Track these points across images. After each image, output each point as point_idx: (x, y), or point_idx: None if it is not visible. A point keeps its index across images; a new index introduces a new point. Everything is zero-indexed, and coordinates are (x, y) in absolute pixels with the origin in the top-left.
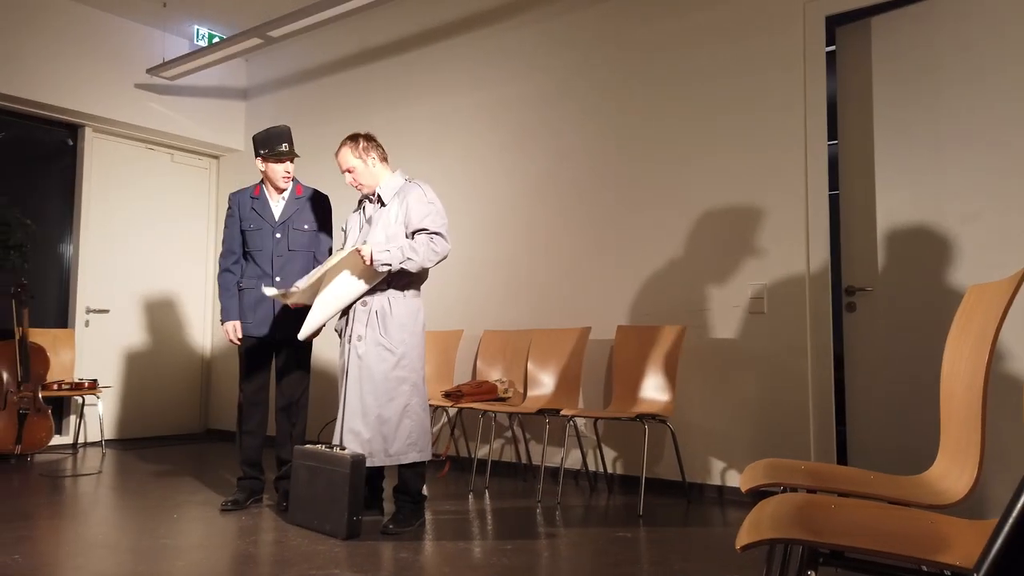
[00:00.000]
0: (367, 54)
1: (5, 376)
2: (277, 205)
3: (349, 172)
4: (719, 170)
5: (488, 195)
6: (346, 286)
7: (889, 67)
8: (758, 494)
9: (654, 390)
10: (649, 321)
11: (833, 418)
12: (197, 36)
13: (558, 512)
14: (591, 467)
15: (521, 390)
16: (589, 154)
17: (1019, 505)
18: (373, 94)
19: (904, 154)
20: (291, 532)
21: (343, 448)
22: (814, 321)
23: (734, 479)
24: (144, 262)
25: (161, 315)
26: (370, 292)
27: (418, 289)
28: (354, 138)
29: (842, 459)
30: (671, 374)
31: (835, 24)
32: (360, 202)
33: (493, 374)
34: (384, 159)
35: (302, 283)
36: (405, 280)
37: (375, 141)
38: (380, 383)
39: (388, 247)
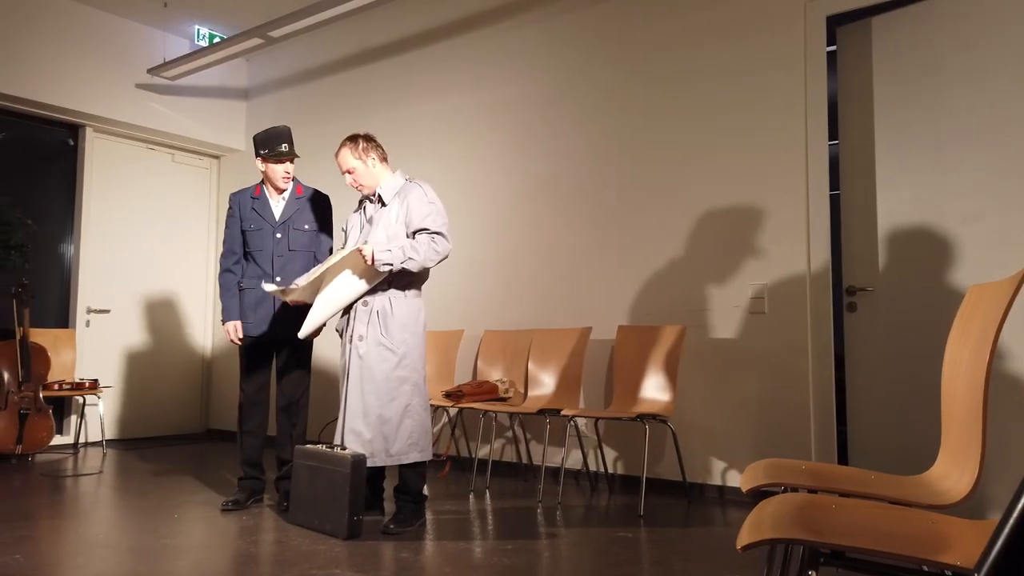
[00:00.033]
0: (368, 54)
1: (6, 376)
2: (277, 205)
3: (349, 173)
4: (720, 170)
5: (489, 195)
6: (347, 285)
7: (890, 67)
8: (759, 494)
9: (655, 390)
10: (650, 321)
11: (834, 418)
12: (198, 36)
13: (559, 512)
14: (592, 467)
15: (522, 390)
16: (590, 154)
17: (1020, 505)
18: (374, 94)
19: (905, 154)
20: (292, 532)
21: (344, 448)
22: (815, 321)
23: (735, 479)
24: (145, 262)
25: (162, 315)
26: (371, 292)
27: (419, 289)
28: (353, 139)
29: (843, 459)
30: (672, 374)
31: (836, 24)
32: (361, 202)
33: (494, 374)
34: (384, 159)
35: (302, 281)
36: (406, 280)
37: (375, 142)
38: (381, 383)
39: (389, 247)
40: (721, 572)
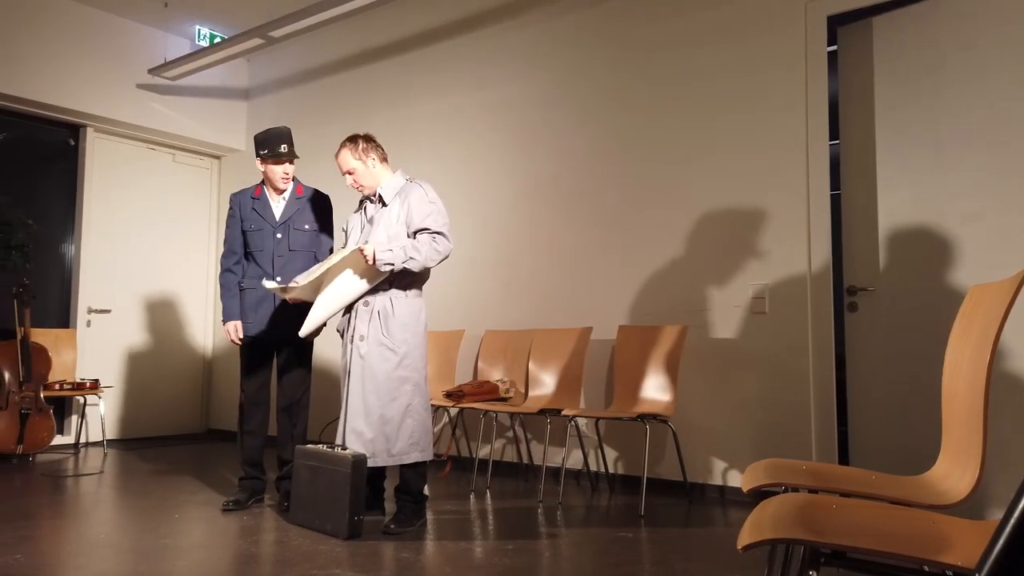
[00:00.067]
0: (368, 54)
1: (7, 376)
2: (278, 205)
3: (349, 174)
4: (721, 170)
5: (489, 195)
6: (348, 285)
7: (890, 67)
8: (759, 494)
9: (655, 390)
10: (650, 321)
11: (835, 418)
12: (198, 36)
13: (559, 512)
14: (592, 467)
15: (522, 390)
16: (591, 154)
17: (1021, 505)
18: (374, 94)
19: (905, 154)
20: (292, 532)
21: (344, 448)
22: (815, 321)
23: (735, 479)
24: (145, 262)
25: (162, 315)
26: (372, 292)
27: (420, 289)
28: (353, 140)
29: (843, 459)
30: (672, 374)
31: (836, 24)
32: (361, 202)
33: (494, 374)
34: (384, 159)
35: (301, 279)
36: (407, 280)
37: (374, 142)
38: (382, 383)
39: (391, 247)
40: (722, 572)
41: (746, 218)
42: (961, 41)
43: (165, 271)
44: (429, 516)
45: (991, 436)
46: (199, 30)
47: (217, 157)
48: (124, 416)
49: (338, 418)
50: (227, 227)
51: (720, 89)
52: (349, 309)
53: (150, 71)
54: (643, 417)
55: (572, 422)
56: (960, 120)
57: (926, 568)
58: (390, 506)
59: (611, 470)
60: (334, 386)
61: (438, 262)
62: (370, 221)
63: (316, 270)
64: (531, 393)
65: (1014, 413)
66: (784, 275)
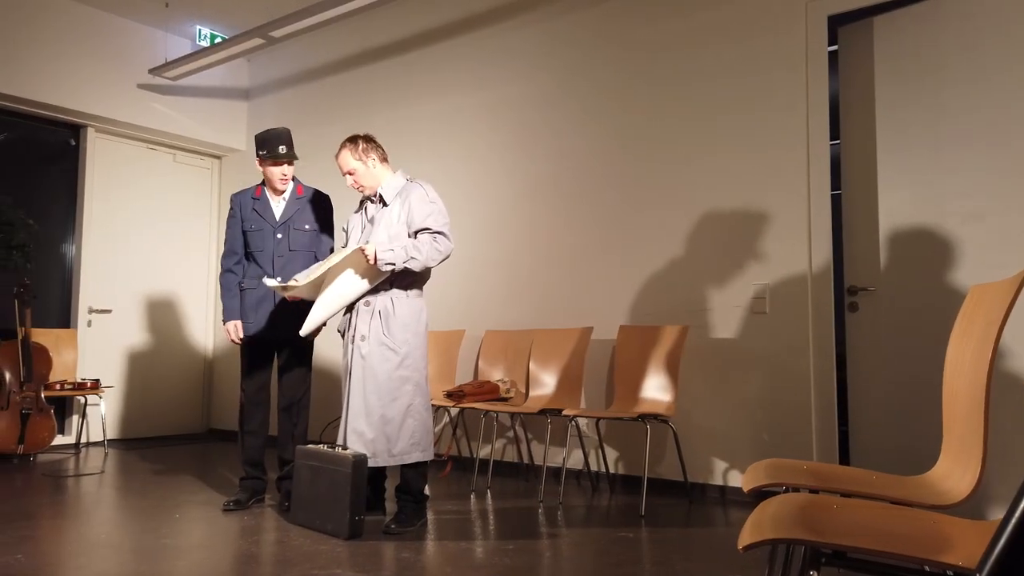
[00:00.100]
0: (369, 54)
1: (8, 376)
2: (278, 205)
3: (350, 175)
4: (721, 170)
5: (490, 195)
6: (349, 285)
7: (891, 67)
8: (760, 494)
9: (656, 390)
10: (651, 321)
11: (835, 418)
12: (199, 36)
13: (560, 512)
14: (593, 467)
15: (523, 390)
16: (591, 154)
17: (1022, 505)
18: (375, 94)
19: (906, 154)
20: (293, 532)
21: (345, 448)
22: (816, 321)
23: (736, 479)
24: (146, 262)
25: (163, 315)
26: (373, 292)
27: (421, 289)
28: (353, 140)
29: (844, 459)
30: (673, 374)
31: (837, 24)
32: (362, 203)
33: (495, 374)
34: (384, 160)
35: (301, 277)
36: (408, 280)
37: (375, 142)
38: (383, 383)
39: (392, 246)
40: (723, 572)
41: (747, 218)
42: (962, 41)
43: (166, 271)
44: (430, 516)
45: (992, 436)
46: (200, 30)
47: (218, 157)
48: (125, 416)
49: (339, 418)
50: (228, 227)
51: (720, 89)
52: (350, 309)
53: (151, 71)
54: (644, 417)
55: (573, 422)
56: (961, 120)
57: (927, 568)
58: (391, 506)
59: (612, 470)
60: (335, 386)
61: (439, 262)
62: (371, 221)
63: (316, 269)
64: (532, 393)
65: (1015, 413)
66: (785, 275)
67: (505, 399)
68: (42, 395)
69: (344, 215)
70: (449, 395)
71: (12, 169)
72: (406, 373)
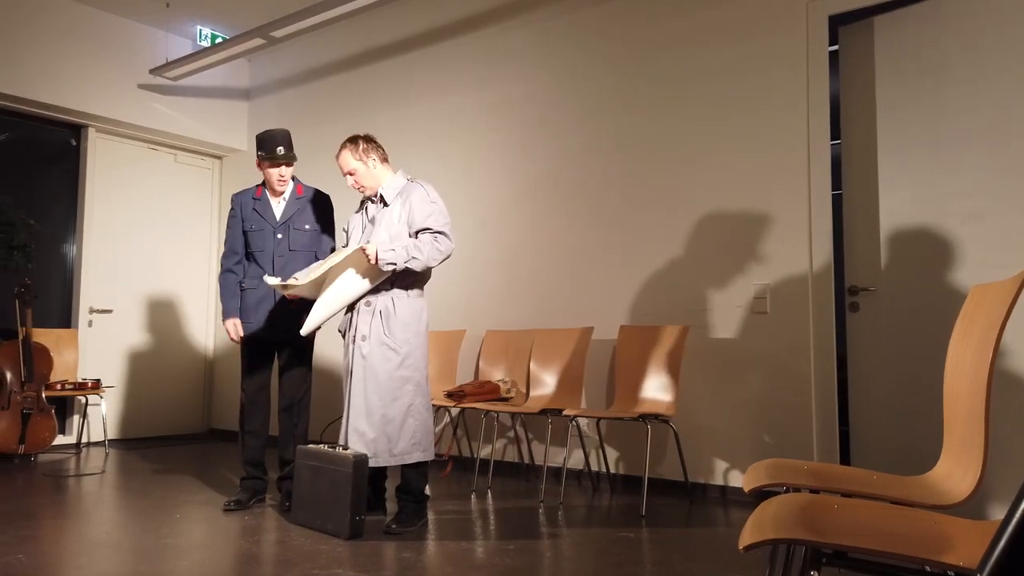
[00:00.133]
0: (370, 54)
1: (9, 376)
2: (278, 205)
3: (350, 175)
4: (722, 170)
5: (491, 195)
6: (350, 285)
7: (892, 67)
8: (761, 494)
9: (657, 390)
10: (652, 321)
11: (836, 418)
12: (200, 36)
13: (560, 512)
14: (593, 467)
15: (523, 390)
16: (592, 154)
17: (1023, 505)
18: (376, 94)
19: (907, 154)
20: (294, 532)
21: (346, 448)
22: (817, 321)
23: (737, 479)
24: (147, 262)
25: (164, 315)
26: (374, 292)
27: (422, 289)
28: (354, 140)
29: (845, 459)
30: (674, 374)
31: (838, 24)
32: (362, 203)
33: (495, 374)
34: (385, 160)
35: (301, 275)
36: (409, 280)
37: (375, 142)
38: (384, 383)
39: (393, 246)
40: (723, 572)
41: (747, 218)
42: (962, 41)
43: (166, 271)
44: (430, 516)
45: (993, 436)
46: (200, 30)
47: (218, 157)
48: (126, 416)
49: (339, 418)
50: (228, 227)
51: (721, 89)
52: (351, 309)
53: (152, 71)
54: (644, 417)
55: (573, 422)
56: (961, 120)
57: (928, 568)
58: (391, 506)
59: (612, 470)
60: (336, 386)
61: (440, 262)
62: (371, 221)
63: (317, 268)
64: (532, 393)
65: (1016, 413)
66: (785, 275)
67: (506, 399)
68: (43, 395)
69: (344, 215)
70: (450, 395)
71: (13, 169)
72: (407, 373)
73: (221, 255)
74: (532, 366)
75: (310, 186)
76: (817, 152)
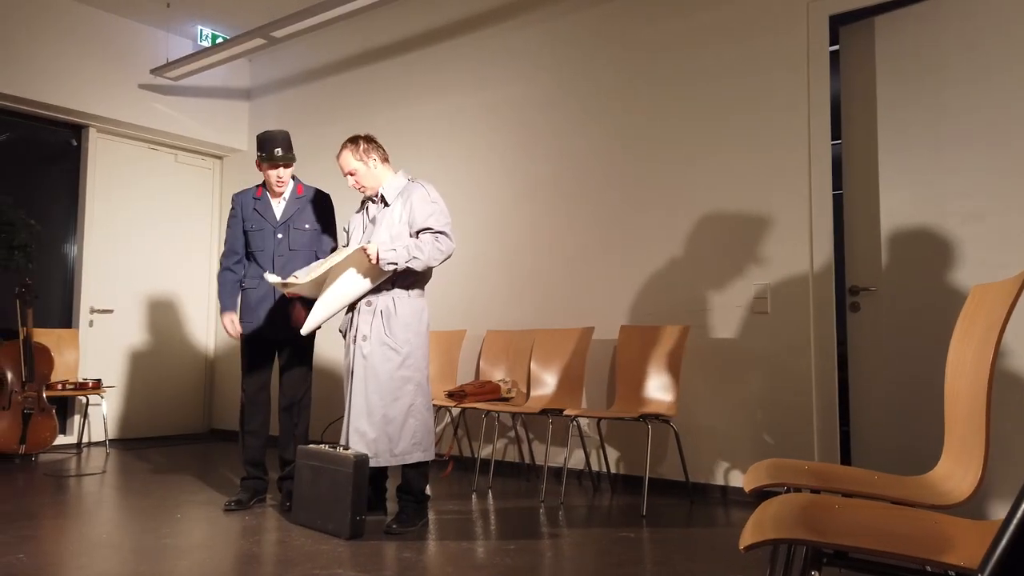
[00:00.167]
0: (370, 54)
1: (10, 376)
2: (279, 205)
3: (351, 175)
4: (723, 170)
5: (491, 195)
6: (351, 284)
7: (893, 67)
8: (762, 494)
9: (657, 390)
10: (652, 321)
11: (837, 418)
12: (200, 36)
13: (561, 512)
14: (594, 467)
15: (524, 390)
16: (593, 154)
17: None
18: (376, 94)
19: (907, 154)
20: (294, 532)
21: (347, 448)
22: (817, 321)
23: (737, 479)
24: (148, 262)
25: (165, 315)
26: (375, 292)
27: (422, 289)
28: (354, 140)
29: (846, 459)
30: (675, 374)
31: (839, 23)
32: (363, 203)
33: (496, 374)
34: (385, 160)
35: (301, 274)
36: (410, 280)
37: (375, 143)
38: (385, 383)
39: (394, 246)
40: (724, 572)
41: (748, 218)
42: (963, 41)
43: (167, 271)
44: (431, 516)
45: (994, 436)
46: (201, 30)
47: (219, 157)
48: (126, 416)
49: (340, 418)
50: (228, 227)
51: (721, 89)
52: (352, 309)
53: (152, 71)
54: (645, 417)
55: (574, 422)
56: (961, 120)
57: (928, 568)
58: (392, 506)
59: (613, 470)
60: (336, 386)
61: (441, 262)
62: (372, 221)
63: (317, 268)
64: (533, 393)
65: (1016, 413)
66: (786, 275)
67: (506, 399)
68: (44, 395)
69: (345, 215)
70: (450, 395)
71: (14, 169)
72: (408, 373)
73: (221, 254)
74: (533, 366)
75: (310, 186)
76: (818, 152)
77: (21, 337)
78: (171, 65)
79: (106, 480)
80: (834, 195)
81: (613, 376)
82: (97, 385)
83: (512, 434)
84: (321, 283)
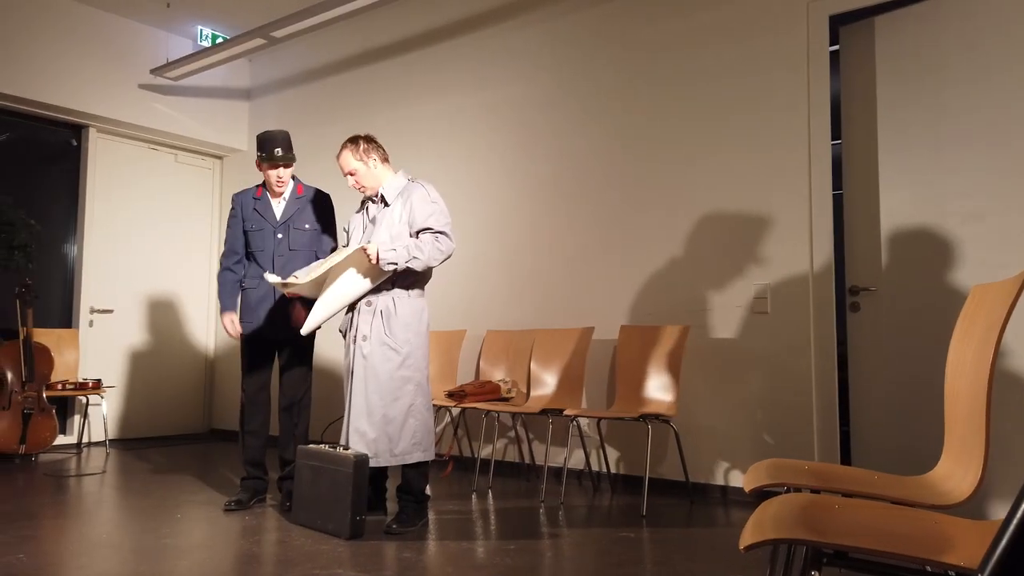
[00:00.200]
0: (370, 54)
1: (10, 376)
2: (279, 205)
3: (351, 175)
4: (723, 170)
5: (491, 195)
6: (351, 284)
7: (893, 67)
8: (762, 494)
9: (657, 390)
10: (652, 321)
11: (837, 418)
12: (200, 36)
13: (561, 512)
14: (594, 467)
15: (524, 390)
16: (593, 154)
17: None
18: (376, 94)
19: (907, 154)
20: (295, 532)
21: (347, 448)
22: (817, 321)
23: (737, 479)
24: (148, 262)
25: (165, 315)
26: (375, 292)
27: (422, 289)
28: (354, 140)
29: (846, 459)
30: (674, 374)
31: (839, 23)
32: (363, 203)
33: (496, 374)
34: (385, 160)
35: (301, 274)
36: (410, 280)
37: (375, 143)
38: (385, 383)
39: (394, 246)
40: (724, 572)
41: (748, 218)
42: (964, 41)
43: (167, 271)
44: (431, 516)
45: (994, 436)
46: (201, 30)
47: (219, 157)
48: (126, 416)
49: (340, 418)
50: (228, 227)
51: (721, 89)
52: (352, 309)
53: (152, 71)
54: (645, 417)
55: (574, 422)
56: (961, 120)
57: (928, 568)
58: (392, 506)
59: (613, 470)
60: (336, 386)
61: (441, 262)
62: (372, 221)
63: (317, 267)
64: (533, 393)
65: (1016, 413)
66: (786, 275)
67: (506, 399)
68: (44, 395)
69: (345, 215)
70: (450, 395)
71: (14, 169)
72: (408, 373)
73: (221, 254)
74: (533, 366)
75: (310, 186)
76: (818, 152)
77: (21, 337)
78: (171, 65)
79: (106, 480)
80: (834, 195)
81: (613, 376)
82: (97, 385)
83: (512, 434)
84: (321, 283)
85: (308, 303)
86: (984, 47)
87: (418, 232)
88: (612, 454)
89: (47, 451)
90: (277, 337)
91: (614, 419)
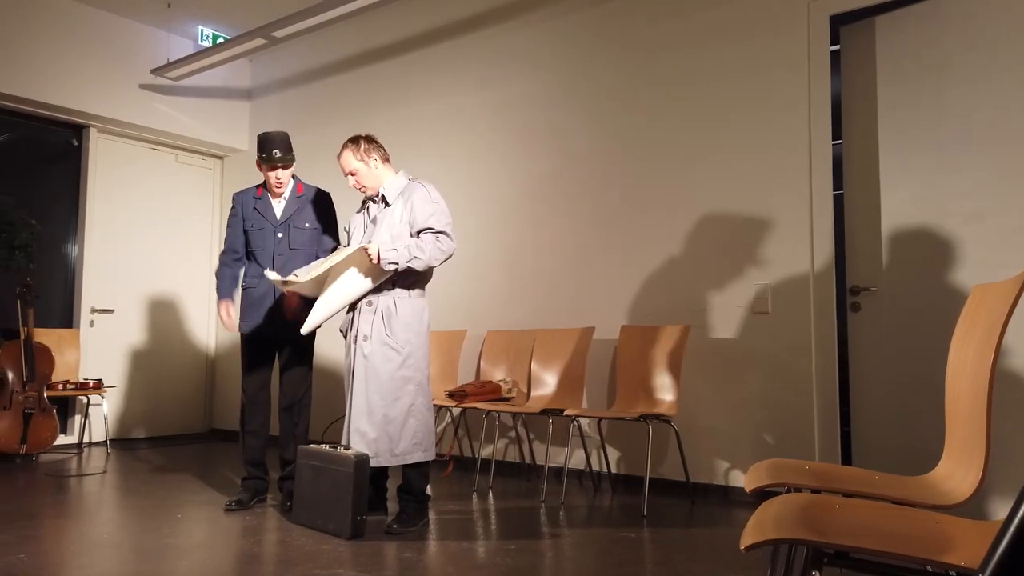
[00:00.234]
0: (371, 54)
1: (10, 376)
2: (279, 205)
3: (352, 175)
4: (724, 170)
5: (492, 195)
6: (352, 284)
7: (893, 67)
8: (762, 494)
9: (658, 390)
10: (653, 321)
11: (837, 418)
12: (201, 36)
13: (562, 512)
14: (595, 467)
15: (525, 390)
16: (593, 154)
17: None
18: (377, 94)
19: (908, 154)
20: (295, 532)
21: (347, 448)
22: (818, 321)
23: (738, 479)
24: (148, 262)
25: (165, 315)
26: (375, 291)
27: (423, 289)
28: (355, 140)
29: (846, 459)
30: (675, 374)
31: (839, 23)
32: (364, 203)
33: (497, 374)
34: (386, 160)
35: (302, 273)
36: (411, 280)
37: (376, 143)
38: (386, 383)
39: (395, 246)
40: (725, 572)
41: (748, 218)
42: (965, 41)
43: (168, 271)
44: (432, 516)
45: (994, 436)
46: (202, 30)
47: (220, 157)
48: (127, 416)
49: (341, 418)
50: (229, 226)
51: (722, 89)
52: (352, 308)
53: (153, 71)
54: (646, 417)
55: (574, 422)
56: (962, 120)
57: (929, 568)
58: (393, 506)
59: (614, 470)
60: (337, 386)
61: (441, 261)
62: (373, 221)
63: (317, 267)
64: (533, 393)
65: (1017, 413)
66: (787, 275)
67: (507, 399)
68: (44, 395)
69: (346, 215)
70: (451, 395)
71: (14, 169)
72: (408, 373)
73: (221, 252)
74: (533, 366)
75: (311, 185)
76: (818, 152)
77: (22, 337)
78: (172, 65)
79: (107, 480)
80: (835, 195)
81: (614, 376)
82: (98, 385)
83: (513, 434)
84: (321, 282)
85: (308, 302)
86: (984, 47)
87: (419, 232)
88: (613, 454)
89: (48, 451)
90: (277, 337)
91: (615, 419)
